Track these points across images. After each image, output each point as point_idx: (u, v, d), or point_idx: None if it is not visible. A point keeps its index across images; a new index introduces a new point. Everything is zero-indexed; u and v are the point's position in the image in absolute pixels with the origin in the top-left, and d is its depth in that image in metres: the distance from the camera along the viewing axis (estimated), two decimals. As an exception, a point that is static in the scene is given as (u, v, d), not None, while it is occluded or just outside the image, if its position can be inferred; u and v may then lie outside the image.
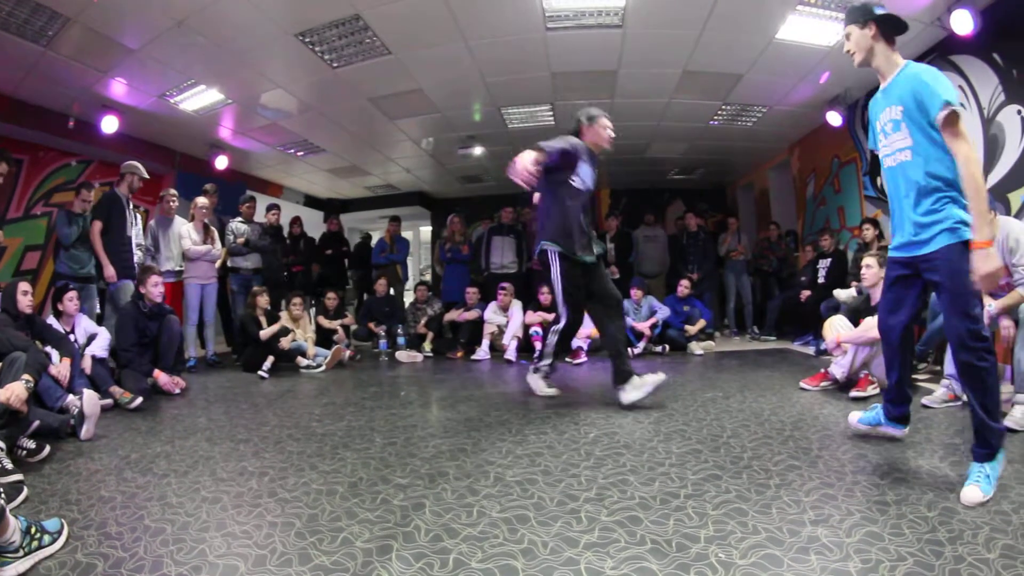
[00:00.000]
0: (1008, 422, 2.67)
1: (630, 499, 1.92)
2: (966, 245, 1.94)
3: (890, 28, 2.14)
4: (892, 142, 2.15)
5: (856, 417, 2.61)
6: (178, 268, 5.37)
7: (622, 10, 4.32)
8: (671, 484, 2.05)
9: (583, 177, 3.45)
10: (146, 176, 5.09)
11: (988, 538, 1.58)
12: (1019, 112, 4.04)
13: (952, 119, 1.93)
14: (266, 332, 5.06)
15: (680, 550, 1.55)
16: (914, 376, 3.80)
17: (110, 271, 4.65)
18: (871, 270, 3.78)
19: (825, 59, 5.13)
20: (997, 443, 1.93)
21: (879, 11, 2.13)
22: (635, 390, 3.28)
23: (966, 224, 1.96)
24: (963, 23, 4.10)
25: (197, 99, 5.62)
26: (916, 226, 2.06)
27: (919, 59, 4.99)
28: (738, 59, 5.19)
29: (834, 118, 6.12)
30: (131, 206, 4.98)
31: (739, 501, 1.88)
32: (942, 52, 4.77)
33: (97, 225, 4.66)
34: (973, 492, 1.84)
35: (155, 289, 4.17)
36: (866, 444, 2.50)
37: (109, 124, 5.52)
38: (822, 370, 3.83)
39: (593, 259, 3.51)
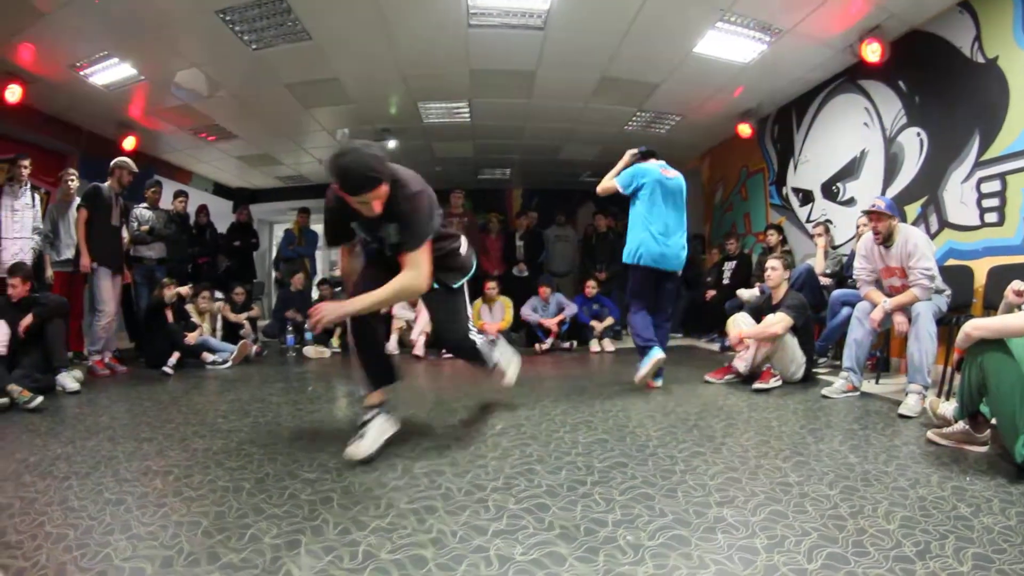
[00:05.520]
0: (902, 410, 2.91)
1: (537, 487, 1.94)
2: None
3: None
4: None
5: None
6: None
7: (545, 12, 4.37)
8: (578, 472, 2.09)
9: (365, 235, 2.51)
10: (136, 170, 5.05)
11: (887, 511, 1.70)
12: (918, 134, 4.41)
13: None
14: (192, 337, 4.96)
15: (588, 534, 1.58)
16: (815, 370, 4.09)
17: (85, 260, 4.64)
18: (776, 272, 4.03)
19: (740, 74, 5.39)
20: None
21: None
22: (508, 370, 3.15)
23: None
24: (873, 52, 4.44)
25: (109, 73, 5.19)
26: None
27: (830, 82, 5.40)
28: (656, 69, 5.37)
29: (745, 130, 6.47)
30: (119, 201, 4.98)
31: (645, 486, 1.93)
32: (851, 76, 5.14)
33: (83, 213, 4.68)
34: None
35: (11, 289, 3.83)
36: (768, 432, 2.66)
37: (12, 93, 5.04)
38: (726, 364, 4.03)
39: None
